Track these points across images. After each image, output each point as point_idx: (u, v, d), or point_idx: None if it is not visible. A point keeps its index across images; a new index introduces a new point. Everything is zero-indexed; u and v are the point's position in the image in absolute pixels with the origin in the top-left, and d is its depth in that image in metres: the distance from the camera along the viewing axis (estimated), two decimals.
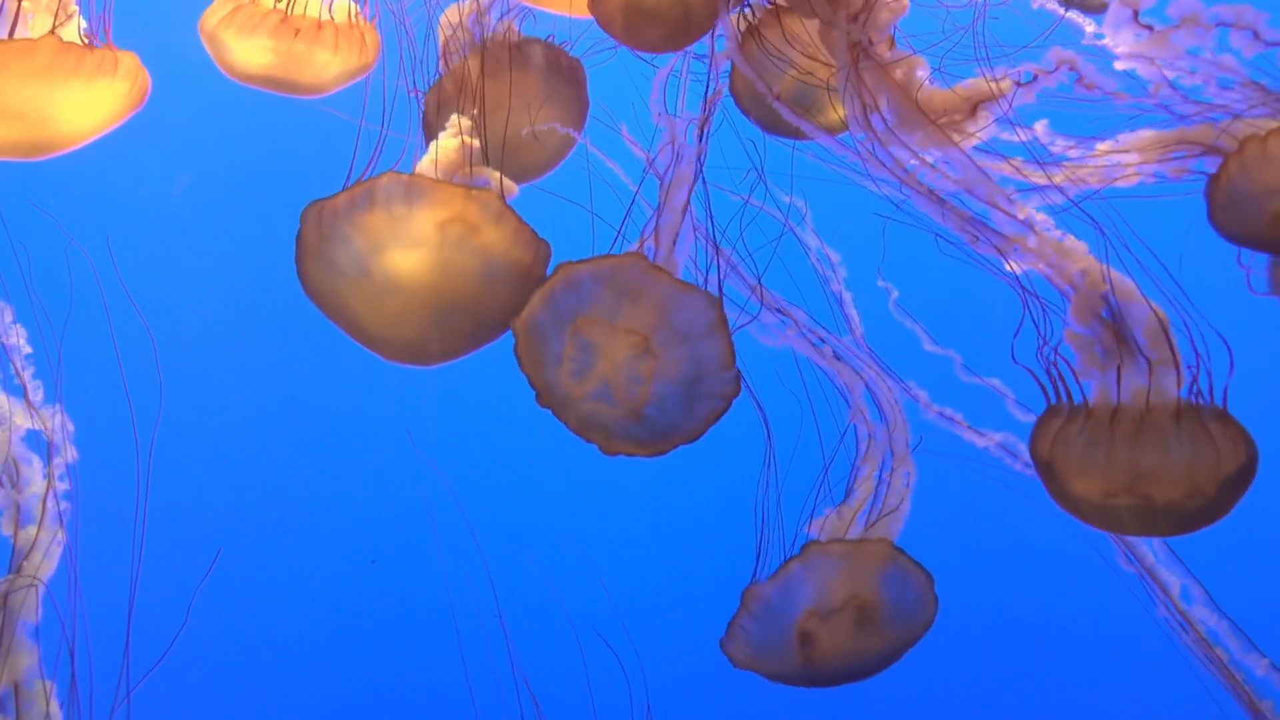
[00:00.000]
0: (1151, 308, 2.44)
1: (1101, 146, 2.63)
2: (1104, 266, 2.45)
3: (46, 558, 2.71)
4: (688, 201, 2.52)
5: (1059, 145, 2.65)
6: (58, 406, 2.81)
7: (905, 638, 2.78)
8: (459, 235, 2.36)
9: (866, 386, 2.94)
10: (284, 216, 2.71)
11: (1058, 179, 2.61)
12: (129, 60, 2.67)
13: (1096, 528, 2.54)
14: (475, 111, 2.65)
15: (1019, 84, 2.43)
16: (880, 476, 2.89)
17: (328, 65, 2.93)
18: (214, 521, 7.38)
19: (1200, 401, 2.40)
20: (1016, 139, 2.61)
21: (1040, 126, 2.63)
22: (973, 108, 2.48)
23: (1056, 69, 2.42)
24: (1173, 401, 2.39)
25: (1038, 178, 2.61)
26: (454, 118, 2.59)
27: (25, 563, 2.66)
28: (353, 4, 2.98)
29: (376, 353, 2.55)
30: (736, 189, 2.87)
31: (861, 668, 2.80)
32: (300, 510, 7.59)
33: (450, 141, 2.56)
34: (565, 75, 3.00)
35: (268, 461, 7.45)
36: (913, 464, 2.90)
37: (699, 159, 2.58)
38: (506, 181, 2.48)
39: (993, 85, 2.49)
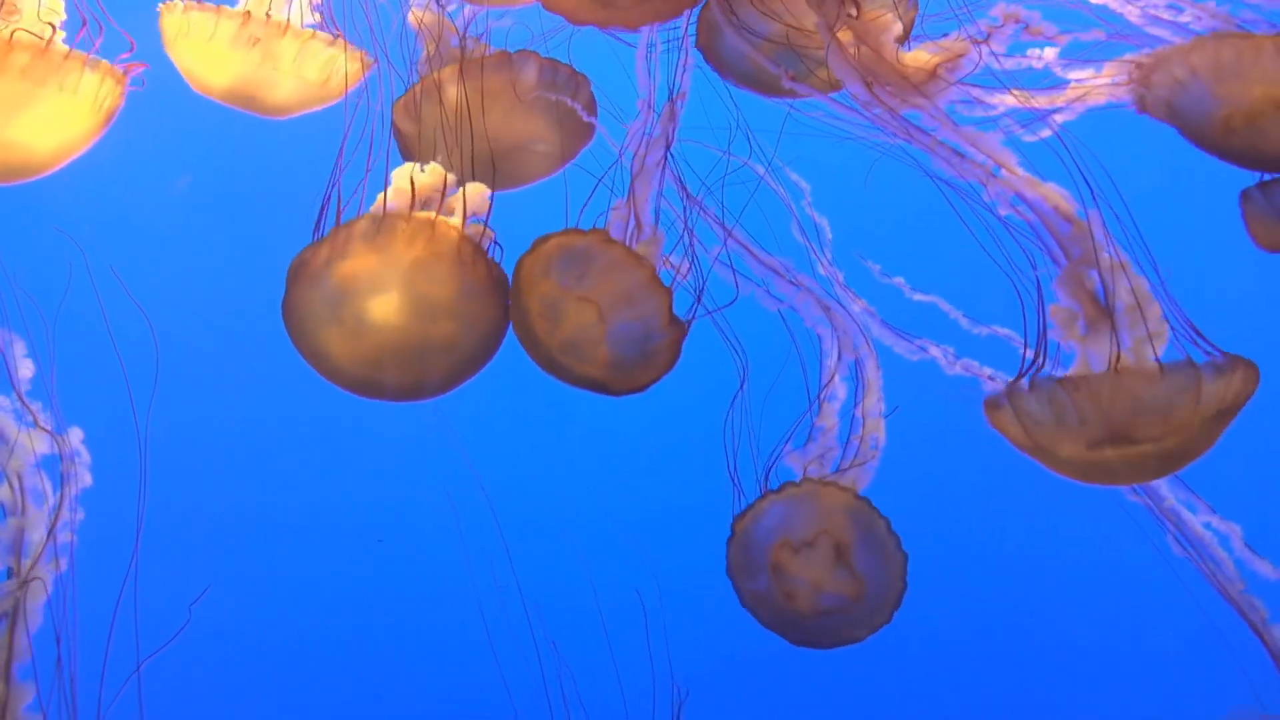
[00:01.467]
0: (1131, 278, 2.48)
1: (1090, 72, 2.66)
2: (1093, 228, 2.49)
3: (49, 570, 2.75)
4: (661, 169, 2.58)
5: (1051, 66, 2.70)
6: (72, 431, 2.83)
7: (883, 585, 2.86)
8: (427, 277, 2.42)
9: (847, 337, 3.00)
10: (288, 215, 2.75)
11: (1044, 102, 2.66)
12: (99, 70, 2.62)
13: (1095, 483, 2.57)
14: (439, 158, 2.69)
15: (977, 42, 2.47)
16: (850, 427, 2.98)
17: (292, 81, 2.92)
18: (217, 519, 7.46)
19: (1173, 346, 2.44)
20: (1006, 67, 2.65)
21: (1050, 54, 2.66)
22: (933, 71, 2.53)
23: (1004, 24, 2.46)
24: (1140, 346, 2.42)
25: (1025, 99, 2.65)
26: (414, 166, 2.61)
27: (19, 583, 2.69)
28: (314, 36, 2.94)
29: (371, 398, 2.60)
30: (717, 146, 2.92)
31: (848, 621, 2.89)
32: (306, 498, 7.65)
33: (425, 173, 2.57)
34: (562, 90, 2.91)
35: (272, 455, 7.51)
36: (883, 426, 2.97)
37: (673, 126, 2.64)
38: (476, 190, 2.54)
39: (955, 45, 2.53)
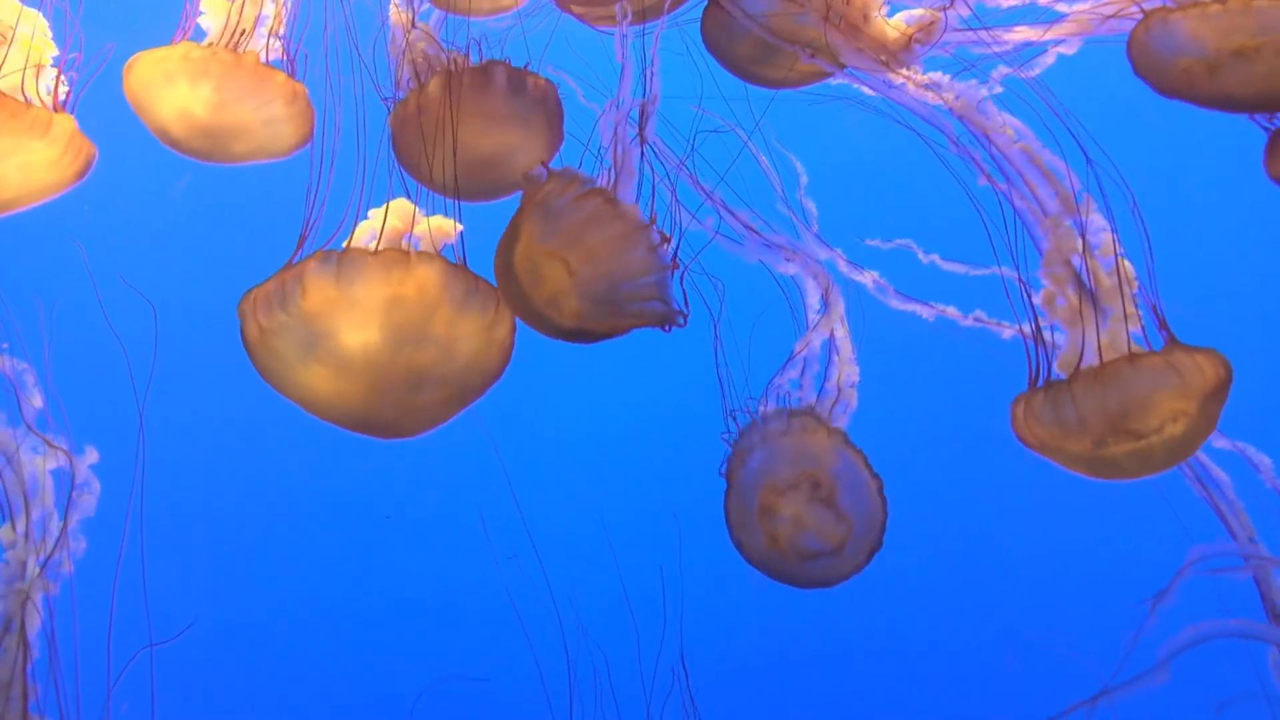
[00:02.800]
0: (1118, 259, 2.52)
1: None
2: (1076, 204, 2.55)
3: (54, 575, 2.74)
4: (640, 132, 2.61)
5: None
6: (88, 452, 2.82)
7: (866, 527, 2.93)
8: (406, 309, 2.33)
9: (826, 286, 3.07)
10: (289, 216, 2.78)
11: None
12: (64, 124, 2.61)
13: (1109, 479, 2.62)
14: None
15: (944, 8, 2.52)
16: (826, 373, 3.05)
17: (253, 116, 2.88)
18: (221, 513, 7.52)
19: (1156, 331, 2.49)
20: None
21: None
22: (908, 40, 2.59)
23: None
24: (1126, 340, 2.49)
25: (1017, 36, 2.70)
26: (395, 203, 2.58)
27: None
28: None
29: (364, 434, 2.53)
30: (695, 112, 2.96)
31: (837, 564, 2.96)
32: (316, 483, 7.70)
33: (394, 210, 2.53)
34: (532, 98, 2.86)
35: (279, 447, 7.55)
36: (856, 367, 3.04)
37: (648, 120, 2.67)
38: (445, 224, 2.50)
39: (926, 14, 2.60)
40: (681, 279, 2.56)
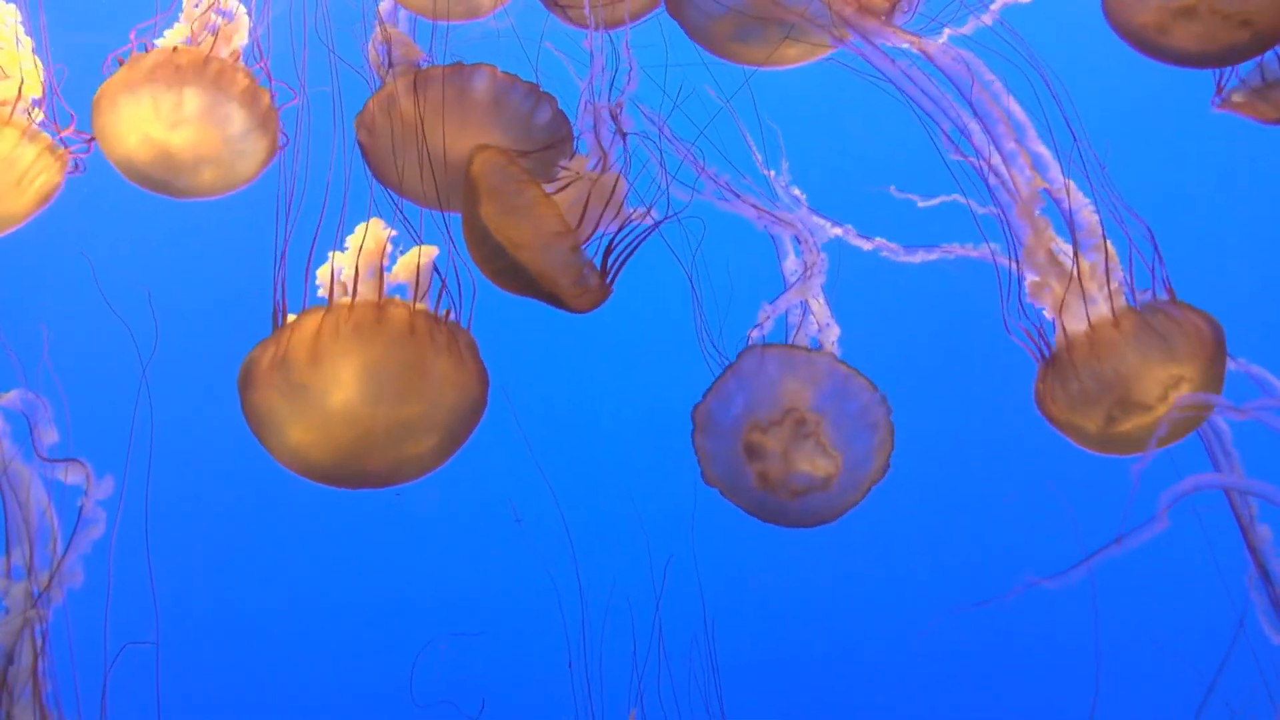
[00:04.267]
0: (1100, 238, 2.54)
1: None
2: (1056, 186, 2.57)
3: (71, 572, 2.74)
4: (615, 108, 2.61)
5: None
6: (105, 480, 2.79)
7: (858, 460, 2.90)
8: (385, 362, 2.33)
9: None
10: (280, 219, 2.78)
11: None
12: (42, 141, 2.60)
13: (1140, 453, 2.59)
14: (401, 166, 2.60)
15: None
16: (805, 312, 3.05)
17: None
18: (223, 507, 7.60)
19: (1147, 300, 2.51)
20: None
21: None
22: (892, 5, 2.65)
23: None
24: (1112, 311, 2.49)
25: None
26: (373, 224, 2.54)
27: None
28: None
29: (362, 487, 2.53)
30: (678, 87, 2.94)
31: (829, 501, 2.93)
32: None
33: (369, 243, 2.49)
34: (519, 106, 2.68)
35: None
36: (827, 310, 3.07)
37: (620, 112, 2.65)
38: (424, 255, 2.48)
39: None
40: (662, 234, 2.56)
